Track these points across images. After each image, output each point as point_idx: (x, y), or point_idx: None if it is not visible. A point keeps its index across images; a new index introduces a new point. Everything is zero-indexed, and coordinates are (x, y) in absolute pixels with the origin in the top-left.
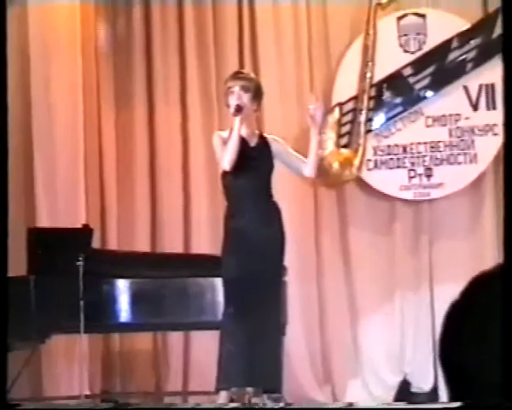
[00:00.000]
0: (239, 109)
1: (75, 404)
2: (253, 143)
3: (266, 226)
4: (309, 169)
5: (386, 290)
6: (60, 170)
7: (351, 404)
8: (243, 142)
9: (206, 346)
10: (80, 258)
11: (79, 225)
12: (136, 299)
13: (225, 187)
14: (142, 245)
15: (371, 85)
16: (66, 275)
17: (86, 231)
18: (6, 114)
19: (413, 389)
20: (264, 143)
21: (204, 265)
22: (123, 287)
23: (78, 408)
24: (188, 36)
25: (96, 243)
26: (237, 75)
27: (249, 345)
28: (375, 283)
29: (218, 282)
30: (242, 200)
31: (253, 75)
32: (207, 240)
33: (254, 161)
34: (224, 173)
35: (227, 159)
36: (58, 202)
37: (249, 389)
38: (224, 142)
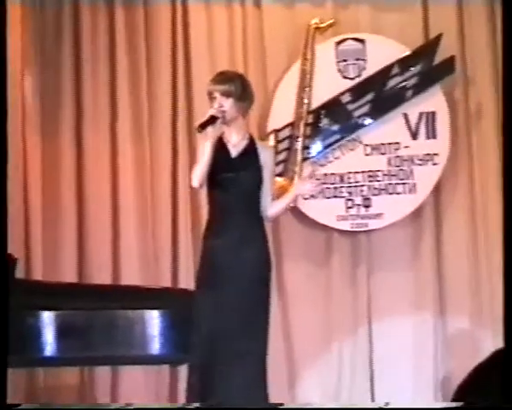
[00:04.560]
0: (211, 120)
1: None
2: (235, 152)
3: (244, 249)
4: (272, 212)
5: (323, 324)
6: None
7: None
8: (224, 151)
9: (134, 381)
10: None
11: None
12: (61, 332)
13: (208, 202)
14: (68, 276)
15: (308, 112)
16: None
17: (9, 260)
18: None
19: None
20: (252, 151)
21: (133, 296)
22: (48, 319)
23: (79, 408)
24: (119, 53)
25: (19, 274)
26: (218, 78)
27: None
28: (310, 316)
29: (148, 314)
30: (220, 217)
31: (237, 73)
32: (137, 270)
33: (235, 172)
34: (208, 187)
35: (195, 175)
36: None
37: None
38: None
